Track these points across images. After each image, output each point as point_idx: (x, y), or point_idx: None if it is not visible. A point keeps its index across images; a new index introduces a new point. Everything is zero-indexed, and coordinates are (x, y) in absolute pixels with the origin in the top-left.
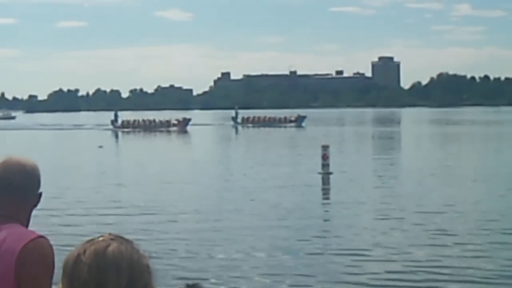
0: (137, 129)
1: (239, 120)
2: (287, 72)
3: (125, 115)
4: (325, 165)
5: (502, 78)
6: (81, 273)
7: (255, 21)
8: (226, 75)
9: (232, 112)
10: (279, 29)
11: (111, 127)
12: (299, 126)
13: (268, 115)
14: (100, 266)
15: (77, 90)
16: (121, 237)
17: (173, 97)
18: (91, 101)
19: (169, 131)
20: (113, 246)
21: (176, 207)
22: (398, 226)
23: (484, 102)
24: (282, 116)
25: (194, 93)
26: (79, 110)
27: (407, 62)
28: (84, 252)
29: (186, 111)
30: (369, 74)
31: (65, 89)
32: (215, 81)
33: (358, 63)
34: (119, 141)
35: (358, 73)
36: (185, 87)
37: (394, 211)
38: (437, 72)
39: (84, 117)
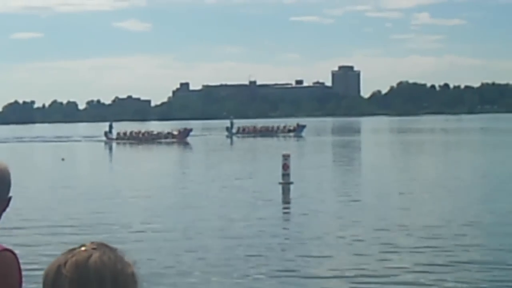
0: (133, 141)
1: (234, 130)
2: (247, 82)
3: (125, 126)
4: (285, 175)
5: (462, 86)
6: (62, 287)
7: (214, 31)
8: (185, 85)
9: (200, 123)
10: (238, 39)
11: (104, 138)
12: (298, 135)
13: (265, 125)
14: (82, 279)
15: (33, 102)
16: (105, 245)
17: (131, 108)
18: (47, 113)
19: (168, 143)
20: (95, 256)
21: (118, 221)
22: (356, 236)
23: (444, 111)
24: (281, 125)
25: (153, 104)
26: (34, 122)
27: (367, 71)
28: (65, 264)
29: (144, 122)
30: (329, 83)
31: (20, 101)
32: (173, 92)
33: (318, 72)
34: (112, 154)
35: (318, 83)
36: (143, 98)
37: (353, 222)
38: (397, 81)
39: (78, 128)
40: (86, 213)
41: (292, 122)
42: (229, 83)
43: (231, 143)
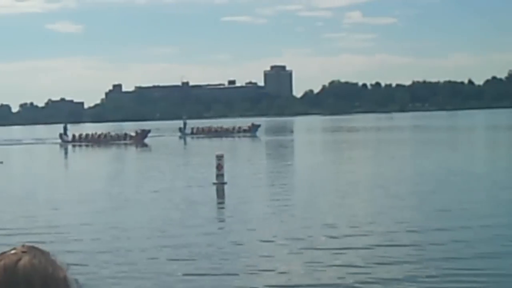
0: (89, 143)
1: (187, 131)
2: (179, 83)
3: (87, 128)
4: (219, 175)
5: (394, 84)
6: None
7: (146, 32)
8: (117, 87)
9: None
10: (170, 39)
11: (59, 141)
12: (253, 135)
13: (220, 125)
14: (10, 283)
15: None
16: (36, 249)
17: (64, 110)
18: None
19: (126, 144)
20: (25, 260)
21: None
22: (285, 235)
23: (376, 109)
24: (236, 125)
25: (86, 106)
26: None
27: (299, 70)
28: None
29: (77, 124)
30: (261, 83)
31: None
32: (106, 94)
33: (251, 72)
34: (64, 156)
35: (250, 83)
36: (76, 100)
37: (282, 222)
38: (329, 80)
39: (12, 131)
40: (16, 217)
41: (244, 122)
42: (161, 84)
43: (185, 144)
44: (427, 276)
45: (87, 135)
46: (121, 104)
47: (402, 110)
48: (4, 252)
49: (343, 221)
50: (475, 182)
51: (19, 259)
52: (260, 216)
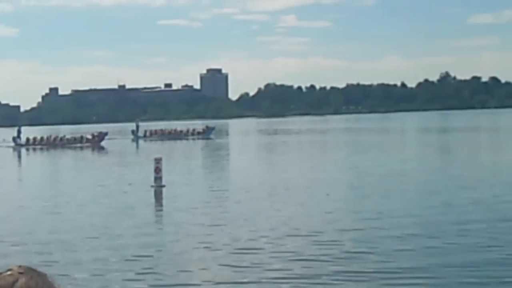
0: (44, 146)
1: (140, 133)
2: (116, 86)
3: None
4: (157, 178)
5: (328, 87)
6: None
7: (82, 35)
8: (54, 90)
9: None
10: (107, 43)
11: (12, 144)
12: (207, 137)
13: (173, 128)
14: None
15: None
16: (33, 270)
17: (0, 114)
18: None
19: (82, 148)
20: (21, 281)
21: None
22: (222, 239)
23: (311, 112)
24: (189, 128)
25: (22, 109)
26: None
27: (235, 73)
28: None
29: (13, 127)
30: (197, 86)
31: None
32: (43, 97)
33: (187, 75)
34: (21, 161)
35: (186, 86)
36: (12, 103)
37: (220, 226)
38: (265, 83)
39: None
40: None
41: (181, 124)
42: (98, 87)
43: (137, 147)
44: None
45: (42, 138)
46: (58, 108)
47: (336, 112)
48: (1, 273)
49: (275, 224)
50: (398, 184)
51: (16, 280)
52: (194, 219)
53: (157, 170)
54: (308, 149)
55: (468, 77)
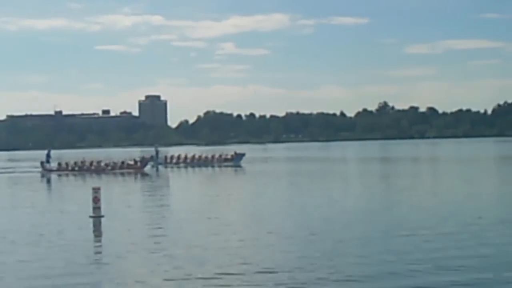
0: (78, 172)
1: (160, 160)
2: (52, 112)
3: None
4: (96, 208)
5: (268, 115)
6: None
7: (17, 59)
8: None
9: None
10: (43, 68)
11: (40, 169)
12: (237, 165)
13: (199, 153)
14: None
15: None
16: None
17: None
18: None
19: (123, 173)
20: None
21: None
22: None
23: (251, 140)
24: (216, 154)
25: None
26: None
27: (174, 100)
28: None
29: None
30: (136, 113)
31: None
32: None
33: (125, 102)
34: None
35: (125, 112)
36: None
37: (159, 256)
38: (204, 111)
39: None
40: None
41: (99, 152)
42: (34, 113)
43: (157, 173)
44: None
45: (75, 163)
46: None
47: (276, 140)
48: None
49: (213, 255)
50: (338, 213)
51: None
52: (131, 250)
53: (96, 200)
54: (246, 178)
55: (406, 107)
